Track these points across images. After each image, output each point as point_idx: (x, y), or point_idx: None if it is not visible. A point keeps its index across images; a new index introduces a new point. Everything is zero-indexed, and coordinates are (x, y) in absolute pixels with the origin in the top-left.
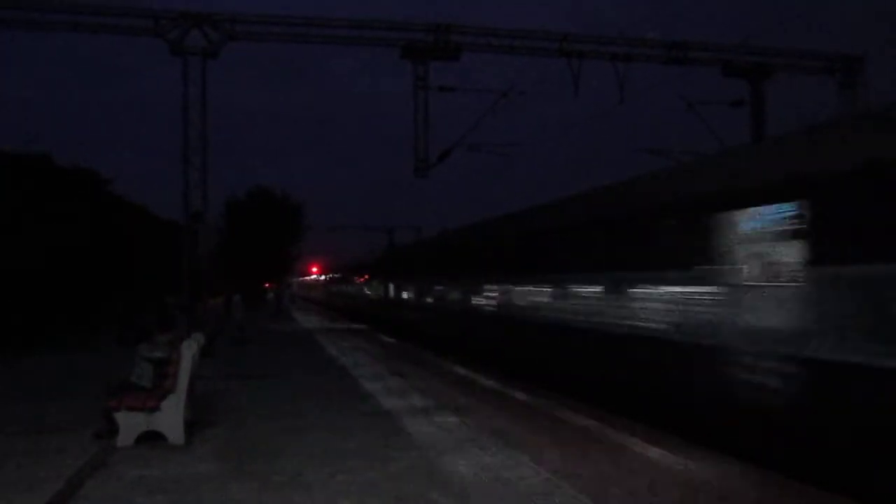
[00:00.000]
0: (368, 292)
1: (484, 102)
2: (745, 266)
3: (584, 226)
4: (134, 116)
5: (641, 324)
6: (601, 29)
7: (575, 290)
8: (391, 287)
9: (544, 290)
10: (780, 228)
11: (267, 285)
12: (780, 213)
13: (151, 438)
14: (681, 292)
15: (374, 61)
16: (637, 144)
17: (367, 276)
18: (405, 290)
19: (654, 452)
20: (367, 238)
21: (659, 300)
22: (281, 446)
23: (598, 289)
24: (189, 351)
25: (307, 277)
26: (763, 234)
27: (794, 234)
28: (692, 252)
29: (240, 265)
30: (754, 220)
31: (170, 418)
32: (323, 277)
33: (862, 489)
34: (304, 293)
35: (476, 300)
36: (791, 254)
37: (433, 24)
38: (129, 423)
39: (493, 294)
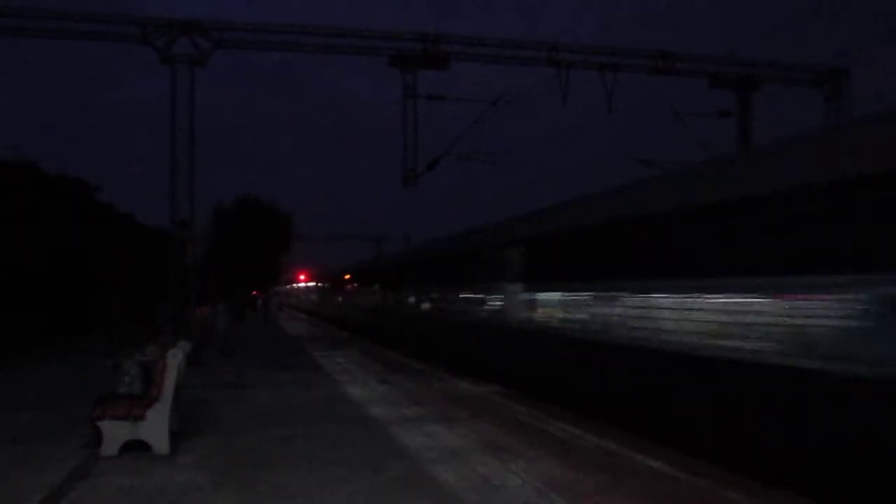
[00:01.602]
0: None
1: (475, 111)
2: None
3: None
4: (123, 124)
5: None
6: (592, 39)
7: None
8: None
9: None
10: None
11: (255, 293)
12: None
13: (136, 448)
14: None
15: (368, 70)
16: (627, 153)
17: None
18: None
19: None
20: (359, 246)
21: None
22: (267, 456)
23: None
24: (175, 360)
25: (296, 285)
26: None
27: None
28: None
29: (227, 273)
30: None
31: (155, 427)
32: (308, 285)
33: None
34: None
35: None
36: None
37: (421, 33)
38: (114, 432)
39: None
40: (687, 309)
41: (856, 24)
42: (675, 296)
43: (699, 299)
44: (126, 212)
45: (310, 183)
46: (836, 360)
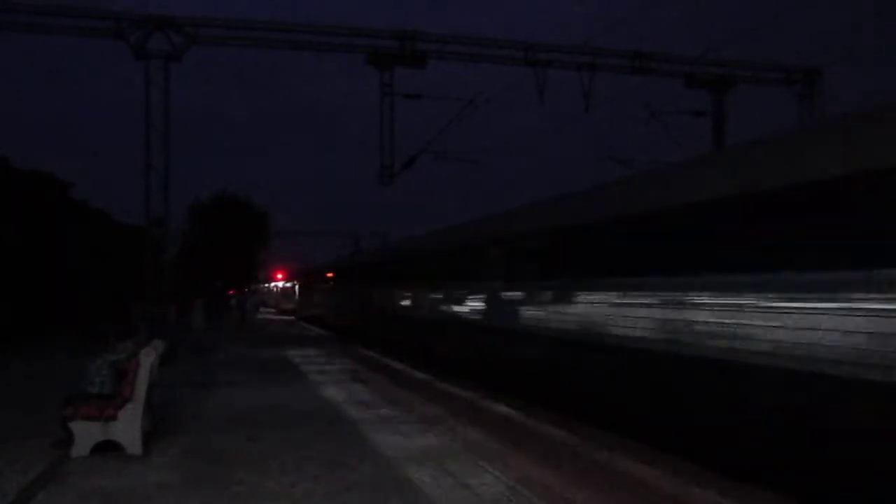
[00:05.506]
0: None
1: (453, 109)
2: None
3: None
4: (96, 119)
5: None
6: (570, 38)
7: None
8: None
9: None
10: None
11: (231, 292)
12: None
13: (108, 448)
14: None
15: (346, 66)
16: (603, 152)
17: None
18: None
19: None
20: (337, 243)
21: None
22: (240, 456)
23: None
24: (147, 358)
25: (273, 284)
26: None
27: None
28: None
29: (204, 271)
30: None
31: (127, 427)
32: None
33: None
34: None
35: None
36: None
37: (399, 31)
38: (85, 433)
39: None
40: None
41: (830, 23)
42: None
43: None
44: (100, 208)
45: (289, 179)
46: None
